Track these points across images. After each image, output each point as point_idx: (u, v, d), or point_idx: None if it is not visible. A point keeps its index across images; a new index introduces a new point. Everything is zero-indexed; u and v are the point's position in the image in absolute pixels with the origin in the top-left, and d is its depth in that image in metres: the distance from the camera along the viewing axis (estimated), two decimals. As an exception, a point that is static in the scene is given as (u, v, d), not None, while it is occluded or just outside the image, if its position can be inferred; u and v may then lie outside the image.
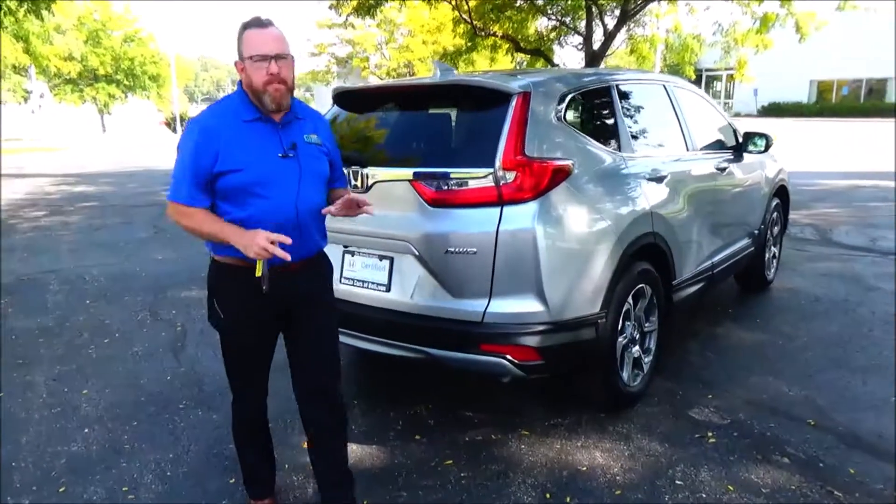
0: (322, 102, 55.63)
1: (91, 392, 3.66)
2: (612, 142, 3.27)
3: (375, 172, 2.94)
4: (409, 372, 3.79)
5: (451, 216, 2.77)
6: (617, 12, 13.79)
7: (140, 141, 32.12)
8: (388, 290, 2.96)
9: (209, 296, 2.27)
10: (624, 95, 3.49)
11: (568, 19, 15.11)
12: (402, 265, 2.93)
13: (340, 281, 3.12)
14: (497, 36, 13.33)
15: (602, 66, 13.20)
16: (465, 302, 2.78)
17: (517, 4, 13.86)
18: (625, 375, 3.19)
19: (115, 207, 10.72)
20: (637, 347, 3.29)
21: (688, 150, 3.94)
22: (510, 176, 2.67)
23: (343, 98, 3.42)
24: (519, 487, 2.67)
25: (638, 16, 14.39)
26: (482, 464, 2.85)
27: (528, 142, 2.75)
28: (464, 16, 12.97)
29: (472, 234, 2.72)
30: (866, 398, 3.36)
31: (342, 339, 3.12)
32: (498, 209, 2.69)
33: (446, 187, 2.77)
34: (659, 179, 3.41)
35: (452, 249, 2.74)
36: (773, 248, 5.33)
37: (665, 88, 3.99)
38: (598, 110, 3.30)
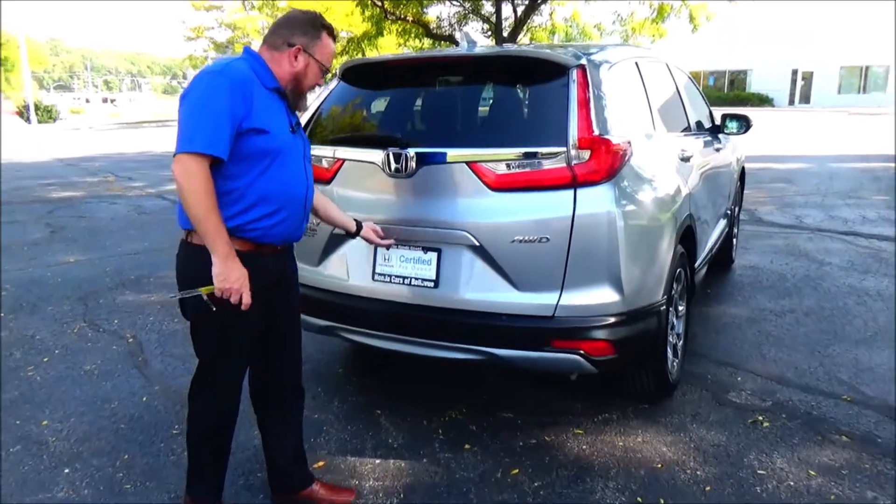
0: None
1: (52, 423, 3.07)
2: (647, 120, 3.12)
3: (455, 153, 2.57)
4: (421, 373, 3.49)
5: (517, 201, 2.50)
6: (524, -1, 13.91)
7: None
8: (437, 286, 2.64)
9: (193, 286, 2.00)
10: (645, 72, 3.36)
11: (468, 5, 15.07)
12: (452, 257, 2.62)
13: (373, 278, 2.77)
14: (407, 21, 13.00)
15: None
16: (534, 295, 2.52)
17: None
18: (669, 363, 3.07)
19: (-10, 205, 9.42)
20: (673, 333, 3.19)
21: (690, 129, 3.89)
22: (585, 155, 2.44)
23: (354, 73, 3.04)
24: (604, 492, 2.46)
25: (541, 4, 14.59)
26: (551, 469, 2.62)
27: (595, 118, 2.53)
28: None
29: (545, 220, 2.46)
30: (880, 370, 3.44)
31: (380, 343, 2.81)
32: (571, 192, 2.45)
33: (510, 169, 2.49)
34: (686, 160, 3.32)
35: (520, 238, 2.48)
36: (734, 227, 5.46)
37: (667, 67, 3.91)
38: (631, 87, 3.13)
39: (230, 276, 1.91)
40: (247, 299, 1.96)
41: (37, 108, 39.61)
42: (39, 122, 38.51)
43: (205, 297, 1.95)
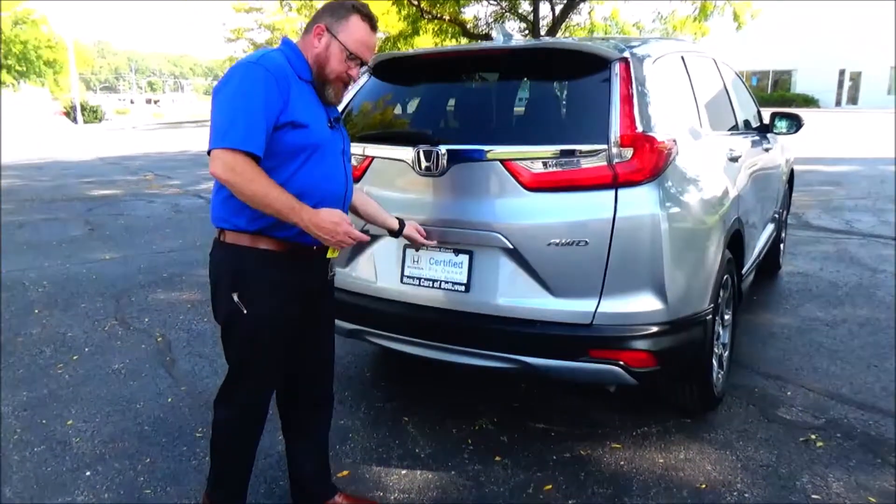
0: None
1: (77, 422, 3.03)
2: (693, 117, 2.95)
3: (496, 150, 2.43)
4: (450, 380, 3.37)
5: (554, 202, 2.36)
6: (562, -2, 13.69)
7: (37, 132, 29.59)
8: (468, 290, 2.52)
9: (226, 289, 1.91)
10: (691, 67, 3.18)
11: (506, 4, 14.91)
12: (484, 260, 2.49)
13: (402, 281, 2.65)
14: (444, 20, 12.90)
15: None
16: (571, 302, 2.38)
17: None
18: (714, 375, 2.89)
19: (33, 203, 9.61)
20: (719, 344, 3.01)
21: (737, 128, 3.69)
22: (627, 154, 2.29)
23: (385, 68, 2.93)
24: (644, 514, 2.31)
25: (579, 3, 14.34)
26: (587, 486, 2.47)
27: (638, 115, 2.37)
28: (411, -2, 12.48)
29: (584, 223, 2.32)
30: (945, 387, 3.21)
31: (409, 349, 2.70)
32: (611, 192, 2.30)
33: (546, 168, 2.36)
34: (735, 160, 3.13)
35: (557, 241, 2.34)
36: (782, 232, 5.22)
37: (715, 62, 3.72)
38: (677, 82, 2.96)
39: (325, 228, 1.80)
40: (357, 234, 1.87)
41: (83, 108, 40.63)
42: (86, 122, 39.50)
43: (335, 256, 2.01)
